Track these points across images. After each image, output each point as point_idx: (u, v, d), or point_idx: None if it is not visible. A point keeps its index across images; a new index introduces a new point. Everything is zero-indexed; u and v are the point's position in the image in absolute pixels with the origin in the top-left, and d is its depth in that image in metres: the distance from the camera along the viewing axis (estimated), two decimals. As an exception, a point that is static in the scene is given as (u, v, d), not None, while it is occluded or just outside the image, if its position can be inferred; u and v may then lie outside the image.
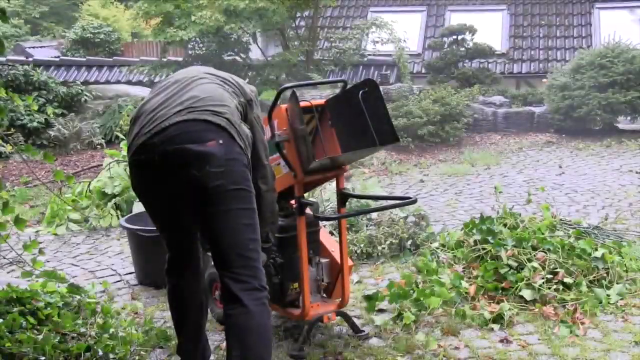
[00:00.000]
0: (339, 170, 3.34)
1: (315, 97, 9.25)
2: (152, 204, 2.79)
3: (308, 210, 3.31)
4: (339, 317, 3.55)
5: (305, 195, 3.36)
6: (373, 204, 5.14)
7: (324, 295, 3.57)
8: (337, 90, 10.53)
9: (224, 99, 2.69)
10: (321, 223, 3.63)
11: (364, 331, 3.53)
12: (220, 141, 2.53)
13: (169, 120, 2.57)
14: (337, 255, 3.50)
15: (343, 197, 3.42)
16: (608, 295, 3.90)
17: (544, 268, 4.02)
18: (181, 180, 2.56)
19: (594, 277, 4.04)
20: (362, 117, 3.15)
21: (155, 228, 4.45)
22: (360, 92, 3.17)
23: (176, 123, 2.55)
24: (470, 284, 4.01)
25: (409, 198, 3.30)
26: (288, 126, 3.11)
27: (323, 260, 3.52)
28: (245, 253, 2.61)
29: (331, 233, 4.65)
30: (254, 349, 2.60)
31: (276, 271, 3.38)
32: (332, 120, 3.34)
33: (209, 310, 3.91)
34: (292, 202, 3.39)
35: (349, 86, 3.36)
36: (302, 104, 3.17)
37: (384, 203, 3.95)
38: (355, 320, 3.63)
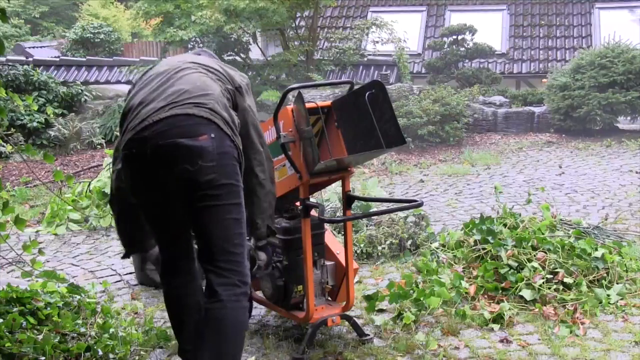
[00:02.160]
0: (344, 172, 3.31)
1: (315, 97, 9.24)
2: (145, 201, 2.74)
3: (313, 213, 3.29)
4: (342, 320, 3.54)
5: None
6: (374, 206, 5.15)
7: (329, 298, 3.56)
8: (338, 91, 10.55)
9: (207, 86, 2.66)
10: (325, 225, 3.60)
11: (368, 335, 3.51)
12: (212, 135, 2.53)
13: (155, 115, 2.55)
14: (342, 258, 3.49)
15: (349, 199, 3.40)
16: (608, 295, 3.90)
17: (544, 268, 4.02)
18: (173, 174, 2.55)
19: (594, 277, 4.04)
20: (368, 119, 3.14)
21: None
22: (367, 93, 3.16)
23: (164, 119, 2.54)
24: (470, 284, 4.01)
25: (415, 201, 3.29)
26: (294, 127, 3.10)
27: (328, 263, 3.50)
28: (230, 248, 2.61)
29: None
30: (225, 345, 2.60)
31: (281, 273, 3.37)
32: (338, 121, 3.32)
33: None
34: (298, 203, 3.37)
35: (355, 87, 3.35)
36: (308, 105, 3.15)
37: (389, 205, 3.92)
38: (355, 320, 3.63)
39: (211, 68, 2.80)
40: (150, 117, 2.56)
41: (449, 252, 4.54)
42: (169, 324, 3.77)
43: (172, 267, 2.86)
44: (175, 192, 2.60)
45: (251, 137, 2.78)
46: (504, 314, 3.68)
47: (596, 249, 4.17)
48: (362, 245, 4.88)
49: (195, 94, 2.61)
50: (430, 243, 4.85)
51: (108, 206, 6.15)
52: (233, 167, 2.60)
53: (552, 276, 3.98)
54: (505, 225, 4.53)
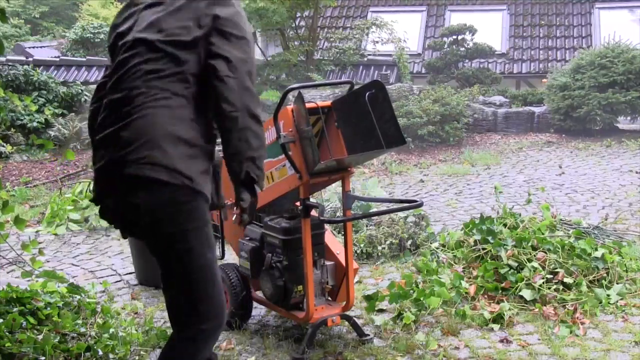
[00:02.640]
0: (345, 172, 3.31)
1: (315, 97, 9.24)
2: None
3: (314, 213, 3.29)
4: (342, 320, 3.55)
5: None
6: (374, 206, 5.15)
7: (329, 298, 3.56)
8: (338, 91, 10.55)
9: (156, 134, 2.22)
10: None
11: (368, 335, 3.52)
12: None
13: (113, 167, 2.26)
14: (342, 258, 3.49)
15: (349, 199, 3.40)
16: (608, 295, 3.90)
17: (544, 268, 4.02)
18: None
19: (594, 277, 4.04)
20: (368, 119, 3.14)
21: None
22: (367, 93, 3.16)
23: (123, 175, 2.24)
24: (470, 284, 4.01)
25: (415, 201, 3.29)
26: (294, 127, 3.10)
27: (328, 263, 3.50)
28: None
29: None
30: None
31: (281, 274, 3.37)
32: (338, 121, 3.31)
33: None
34: (297, 203, 3.37)
35: (355, 87, 3.35)
36: (308, 105, 3.15)
37: (389, 205, 3.92)
38: (355, 320, 3.63)
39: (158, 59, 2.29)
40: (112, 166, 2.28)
41: (449, 252, 4.54)
42: (168, 324, 3.78)
43: None
44: None
45: (215, 66, 2.29)
46: (504, 314, 3.68)
47: (596, 249, 4.17)
48: (362, 245, 4.88)
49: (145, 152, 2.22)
50: (430, 243, 4.85)
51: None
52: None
53: (552, 276, 3.98)
54: (505, 225, 4.53)
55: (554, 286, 3.91)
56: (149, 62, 2.29)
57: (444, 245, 4.67)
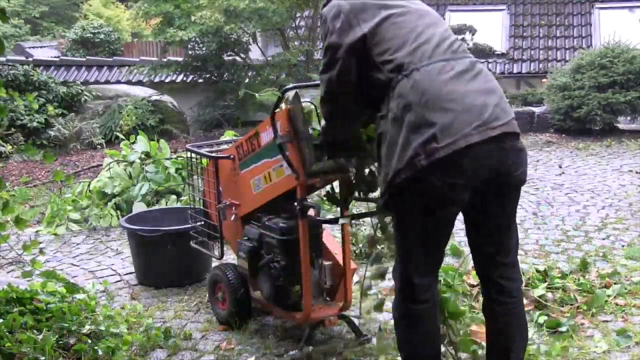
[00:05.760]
0: (342, 173, 3.31)
1: (315, 97, 9.22)
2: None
3: (311, 212, 3.29)
4: (340, 320, 3.54)
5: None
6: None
7: (327, 298, 3.56)
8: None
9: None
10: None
11: (366, 335, 3.52)
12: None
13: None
14: (340, 258, 3.49)
15: (346, 199, 3.39)
16: (608, 295, 3.90)
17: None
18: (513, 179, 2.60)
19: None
20: None
21: (154, 228, 4.47)
22: None
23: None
24: (471, 284, 4.00)
25: None
26: (291, 128, 3.10)
27: (326, 263, 3.50)
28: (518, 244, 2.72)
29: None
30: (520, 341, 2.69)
31: (278, 274, 3.37)
32: None
33: (213, 310, 3.92)
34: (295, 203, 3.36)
35: None
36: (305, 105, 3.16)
37: None
38: (354, 320, 3.63)
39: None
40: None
41: (449, 251, 4.53)
42: (169, 324, 3.79)
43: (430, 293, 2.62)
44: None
45: None
46: (503, 314, 3.67)
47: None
48: (361, 245, 4.88)
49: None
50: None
51: (108, 206, 6.18)
52: None
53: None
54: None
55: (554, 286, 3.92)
56: None
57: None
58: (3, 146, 9.04)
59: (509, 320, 2.64)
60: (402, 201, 2.44)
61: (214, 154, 3.75)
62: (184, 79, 13.92)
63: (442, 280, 3.22)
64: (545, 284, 3.92)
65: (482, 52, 14.11)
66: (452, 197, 2.40)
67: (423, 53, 2.42)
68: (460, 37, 14.09)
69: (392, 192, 2.41)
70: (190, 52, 13.18)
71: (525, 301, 3.73)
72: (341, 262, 3.47)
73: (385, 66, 2.44)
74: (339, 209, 3.40)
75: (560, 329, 3.52)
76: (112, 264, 5.05)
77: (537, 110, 11.55)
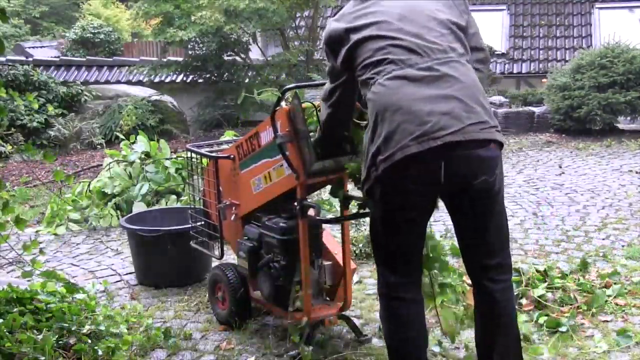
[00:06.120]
0: (342, 173, 3.31)
1: (315, 97, 9.22)
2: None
3: (311, 212, 3.29)
4: (340, 320, 3.54)
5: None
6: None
7: (327, 298, 3.56)
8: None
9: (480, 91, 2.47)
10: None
11: (366, 335, 3.52)
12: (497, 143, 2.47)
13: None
14: (340, 258, 3.49)
15: (346, 199, 3.40)
16: (608, 295, 3.90)
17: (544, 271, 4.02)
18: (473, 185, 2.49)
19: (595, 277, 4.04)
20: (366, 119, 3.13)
21: (154, 228, 4.47)
22: None
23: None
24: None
25: None
26: (290, 127, 3.10)
27: (326, 263, 3.50)
28: (505, 245, 2.69)
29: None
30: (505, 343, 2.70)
31: (278, 274, 3.37)
32: None
33: (213, 310, 3.92)
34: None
35: None
36: (305, 105, 3.16)
37: None
38: (355, 320, 3.63)
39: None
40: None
41: (449, 251, 4.52)
42: (169, 324, 3.78)
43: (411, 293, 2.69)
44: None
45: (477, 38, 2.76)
46: (503, 314, 3.67)
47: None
48: (361, 245, 4.88)
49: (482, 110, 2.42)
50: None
51: (108, 206, 6.18)
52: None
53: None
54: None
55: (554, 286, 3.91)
56: None
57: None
58: (3, 146, 9.03)
59: (494, 322, 2.68)
60: (371, 205, 2.67)
61: (214, 154, 3.75)
62: (184, 79, 13.91)
63: (442, 280, 3.22)
64: (545, 284, 3.92)
65: (482, 52, 14.09)
66: (408, 203, 2.49)
67: (389, 64, 2.43)
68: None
69: (366, 196, 2.60)
70: (190, 52, 13.18)
71: (525, 301, 3.78)
72: (341, 262, 3.47)
73: (361, 82, 2.57)
74: (339, 209, 3.40)
75: (560, 329, 3.52)
76: (112, 264, 5.05)
77: (537, 110, 11.55)
